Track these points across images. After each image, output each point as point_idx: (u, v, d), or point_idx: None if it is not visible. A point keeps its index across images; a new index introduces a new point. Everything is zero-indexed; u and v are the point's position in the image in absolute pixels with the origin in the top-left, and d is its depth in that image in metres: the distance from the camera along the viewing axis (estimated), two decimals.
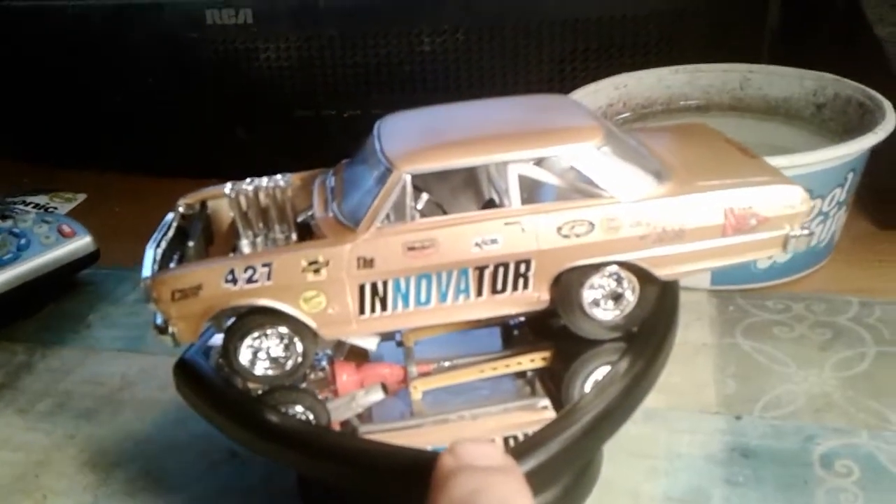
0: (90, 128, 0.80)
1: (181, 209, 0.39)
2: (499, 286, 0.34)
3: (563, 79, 0.68)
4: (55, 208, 0.75)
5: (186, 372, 0.37)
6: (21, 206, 0.72)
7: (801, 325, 0.49)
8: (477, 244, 0.33)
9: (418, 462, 0.30)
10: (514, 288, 0.34)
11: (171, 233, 0.37)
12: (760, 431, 0.41)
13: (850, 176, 0.52)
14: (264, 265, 0.33)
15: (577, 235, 0.33)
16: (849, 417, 0.42)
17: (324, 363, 0.38)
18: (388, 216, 0.33)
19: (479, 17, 0.67)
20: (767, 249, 0.35)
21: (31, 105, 0.81)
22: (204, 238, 0.39)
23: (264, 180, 0.38)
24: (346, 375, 0.37)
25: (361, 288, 0.33)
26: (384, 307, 0.34)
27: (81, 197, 0.78)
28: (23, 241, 0.57)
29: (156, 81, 0.75)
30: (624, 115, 0.64)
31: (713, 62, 0.64)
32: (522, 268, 0.33)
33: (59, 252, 0.58)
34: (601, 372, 0.35)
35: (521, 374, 0.38)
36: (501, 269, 0.33)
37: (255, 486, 0.41)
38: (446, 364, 0.39)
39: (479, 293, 0.34)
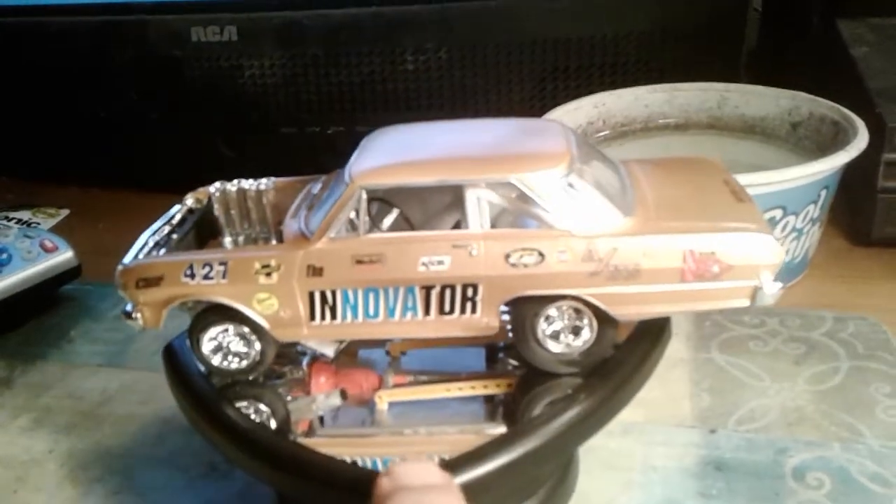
0: (74, 143, 0.80)
1: (189, 202, 0.41)
2: (446, 307, 0.34)
3: (543, 97, 0.69)
4: (38, 224, 0.75)
5: (169, 355, 0.38)
6: (4, 222, 0.73)
7: (775, 339, 0.50)
8: (423, 264, 0.33)
9: (341, 473, 0.31)
10: (462, 311, 0.34)
11: (172, 223, 0.39)
12: (734, 444, 0.42)
13: (824, 193, 0.53)
14: (221, 263, 0.34)
15: (526, 265, 0.33)
16: (821, 430, 0.43)
17: (304, 363, 0.39)
18: (347, 227, 0.34)
19: (460, 37, 0.68)
20: (732, 300, 0.33)
21: (15, 120, 0.81)
22: (206, 232, 0.41)
23: (249, 182, 0.40)
24: (323, 378, 0.38)
25: (311, 295, 0.34)
26: (334, 316, 0.34)
27: (65, 212, 0.78)
28: (4, 256, 0.57)
29: (140, 98, 0.75)
30: (604, 133, 0.65)
31: (691, 81, 0.65)
32: (469, 292, 0.33)
33: (40, 267, 0.58)
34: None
35: (490, 398, 0.38)
36: (448, 291, 0.34)
37: (233, 500, 0.42)
38: (423, 378, 0.39)
39: (427, 312, 0.34)
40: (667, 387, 0.46)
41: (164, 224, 0.39)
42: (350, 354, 0.40)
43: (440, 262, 0.33)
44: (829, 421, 0.43)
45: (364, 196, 0.33)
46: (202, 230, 0.41)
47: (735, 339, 0.50)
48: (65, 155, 0.81)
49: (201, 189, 0.41)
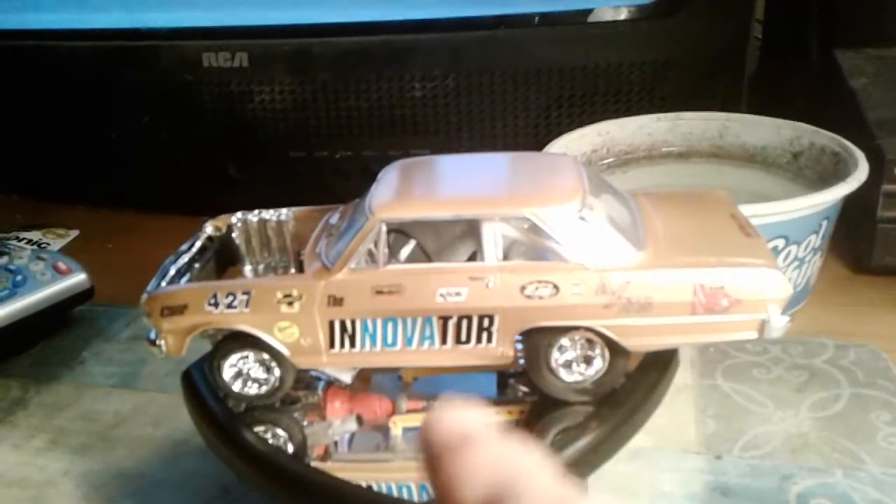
0: (84, 164, 0.81)
1: (209, 230, 0.42)
2: (463, 337, 0.35)
3: (548, 125, 0.70)
4: (48, 244, 0.76)
5: (187, 380, 0.39)
6: (14, 242, 0.73)
7: (778, 366, 0.51)
8: (441, 295, 0.34)
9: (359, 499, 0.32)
10: (478, 341, 0.35)
11: (192, 251, 0.40)
12: (739, 471, 0.43)
13: (825, 223, 0.54)
14: (244, 293, 0.35)
15: (541, 297, 0.34)
16: (824, 457, 0.43)
17: (320, 389, 0.39)
18: (369, 258, 0.35)
19: (467, 65, 0.69)
20: (741, 332, 0.34)
21: (26, 141, 0.82)
22: (225, 260, 0.42)
23: (269, 212, 0.40)
24: (338, 403, 0.39)
25: (331, 324, 0.35)
26: (353, 344, 0.35)
27: (74, 233, 0.79)
28: (18, 278, 0.58)
29: (151, 121, 0.76)
30: (608, 161, 0.66)
31: (693, 110, 0.67)
32: (486, 322, 0.34)
33: (54, 289, 0.59)
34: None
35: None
36: (465, 322, 0.34)
37: None
38: (436, 404, 0.40)
39: (444, 342, 0.35)
40: (673, 413, 0.47)
41: (185, 252, 0.40)
42: (363, 380, 0.41)
43: (457, 294, 0.34)
44: (831, 448, 0.44)
45: (384, 229, 0.34)
46: (221, 258, 0.42)
47: (739, 366, 0.51)
48: (75, 176, 0.82)
49: (221, 217, 0.42)
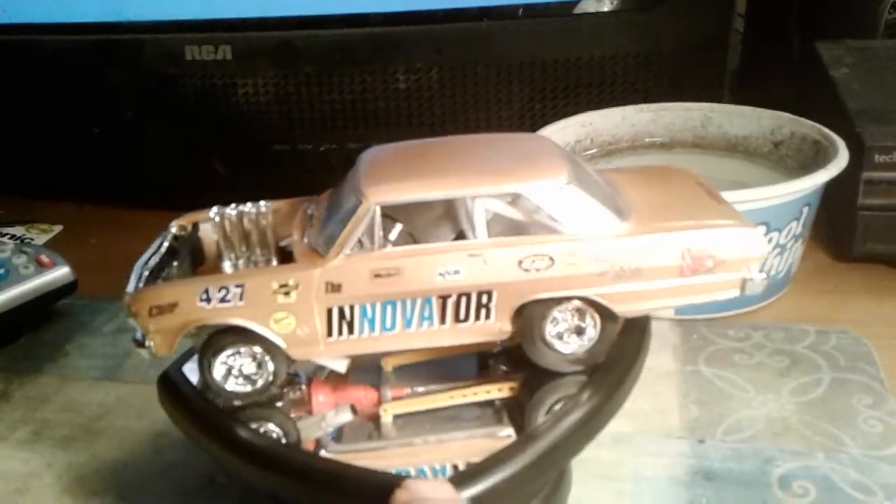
0: (67, 160, 0.80)
1: (174, 230, 0.41)
2: (461, 315, 0.35)
3: (532, 116, 0.71)
4: (31, 239, 0.75)
5: (167, 384, 0.38)
6: None
7: (760, 352, 0.51)
8: (440, 274, 0.34)
9: (372, 482, 0.32)
10: (477, 318, 0.35)
11: (161, 251, 0.39)
12: (722, 454, 0.43)
13: (806, 210, 0.55)
14: (237, 286, 0.35)
15: (538, 270, 0.34)
16: (806, 440, 0.44)
17: (302, 383, 0.39)
18: (359, 244, 0.35)
19: (451, 57, 0.69)
20: (724, 291, 0.36)
21: (9, 136, 0.82)
22: (194, 259, 0.41)
23: (247, 206, 0.40)
24: (322, 396, 0.39)
25: (329, 311, 0.35)
26: (351, 331, 0.35)
27: (58, 228, 0.78)
28: (1, 271, 0.58)
29: (134, 115, 0.76)
30: (591, 152, 0.67)
31: (676, 101, 0.67)
32: (484, 299, 0.35)
33: (37, 282, 0.58)
34: (560, 404, 0.36)
35: (490, 403, 0.39)
36: (464, 299, 0.35)
37: None
38: (420, 389, 0.40)
39: (443, 321, 0.35)
40: (655, 398, 0.47)
41: (154, 252, 0.39)
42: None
43: (456, 272, 0.34)
44: (812, 431, 0.44)
45: (378, 212, 0.34)
46: (194, 257, 0.41)
47: (721, 352, 0.52)
48: (58, 171, 0.82)
49: (187, 215, 0.41)
